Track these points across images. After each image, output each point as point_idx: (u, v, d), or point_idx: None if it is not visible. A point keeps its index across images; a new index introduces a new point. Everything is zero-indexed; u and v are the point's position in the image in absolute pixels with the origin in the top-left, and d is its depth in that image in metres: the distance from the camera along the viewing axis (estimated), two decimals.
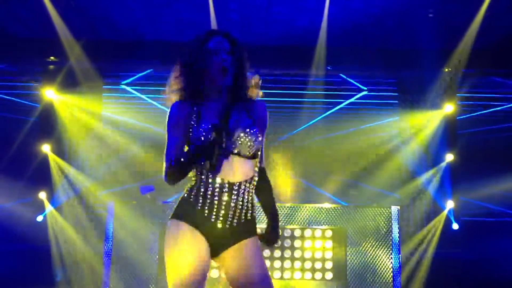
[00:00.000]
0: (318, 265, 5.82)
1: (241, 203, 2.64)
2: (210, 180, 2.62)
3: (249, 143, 2.63)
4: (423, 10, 6.86)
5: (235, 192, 2.62)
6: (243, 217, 2.67)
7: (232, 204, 2.62)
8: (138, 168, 9.64)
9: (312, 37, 7.44)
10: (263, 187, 2.83)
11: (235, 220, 2.64)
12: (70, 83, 7.97)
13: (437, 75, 8.03)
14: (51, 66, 8.06)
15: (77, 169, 7.99)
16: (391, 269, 5.84)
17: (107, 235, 5.88)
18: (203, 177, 2.63)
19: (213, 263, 2.85)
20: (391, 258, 5.85)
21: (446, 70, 8.01)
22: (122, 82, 8.69)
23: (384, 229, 5.77)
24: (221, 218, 2.62)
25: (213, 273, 5.63)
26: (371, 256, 5.82)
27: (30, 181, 7.96)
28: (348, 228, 5.88)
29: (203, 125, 2.61)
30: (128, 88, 8.81)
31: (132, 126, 9.69)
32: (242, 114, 2.71)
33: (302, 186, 9.87)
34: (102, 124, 8.63)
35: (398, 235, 5.81)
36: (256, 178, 2.73)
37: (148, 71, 8.37)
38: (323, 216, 5.96)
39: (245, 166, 2.65)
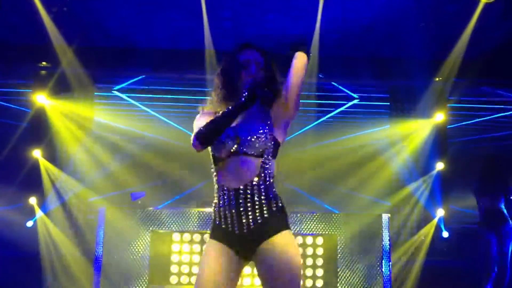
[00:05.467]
0: (309, 272, 5.83)
1: (250, 205, 2.69)
2: (220, 194, 2.74)
3: (253, 142, 2.72)
4: (415, 20, 6.92)
5: (243, 197, 2.69)
6: (259, 217, 2.68)
7: (242, 209, 2.68)
8: (129, 173, 9.62)
9: None
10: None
11: (250, 222, 2.68)
12: (62, 89, 7.95)
13: (428, 85, 8.10)
14: (43, 71, 8.04)
15: (68, 174, 7.96)
16: (382, 277, 5.86)
17: (97, 240, 5.86)
18: (216, 193, 2.77)
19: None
20: (382, 265, 5.87)
21: (437, 79, 8.07)
22: (114, 88, 8.69)
23: (375, 237, 5.79)
24: (236, 225, 2.69)
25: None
26: (361, 264, 5.83)
27: (21, 187, 7.92)
28: (339, 235, 5.90)
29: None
30: (120, 94, 8.81)
31: (124, 131, 9.69)
32: (257, 117, 2.81)
33: (293, 193, 9.88)
34: (94, 130, 8.62)
35: (388, 242, 5.83)
36: (267, 176, 2.75)
37: (141, 77, 8.37)
38: (314, 223, 5.98)
39: (250, 165, 2.71)
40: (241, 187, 2.69)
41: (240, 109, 2.68)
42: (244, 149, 2.71)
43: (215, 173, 2.80)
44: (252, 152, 2.71)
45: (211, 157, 2.84)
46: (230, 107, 2.69)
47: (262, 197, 2.70)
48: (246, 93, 2.67)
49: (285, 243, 2.65)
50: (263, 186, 2.71)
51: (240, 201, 2.69)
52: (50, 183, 7.83)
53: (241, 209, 2.68)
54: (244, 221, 2.68)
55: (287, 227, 2.71)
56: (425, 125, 8.20)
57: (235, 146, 2.72)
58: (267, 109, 2.85)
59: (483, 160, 6.70)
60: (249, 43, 2.93)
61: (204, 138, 2.70)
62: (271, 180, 2.77)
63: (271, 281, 2.61)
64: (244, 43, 2.93)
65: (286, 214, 2.77)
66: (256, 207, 2.69)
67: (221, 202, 2.73)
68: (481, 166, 6.67)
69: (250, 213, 2.68)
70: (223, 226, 2.72)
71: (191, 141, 2.74)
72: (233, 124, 2.76)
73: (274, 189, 2.77)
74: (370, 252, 5.82)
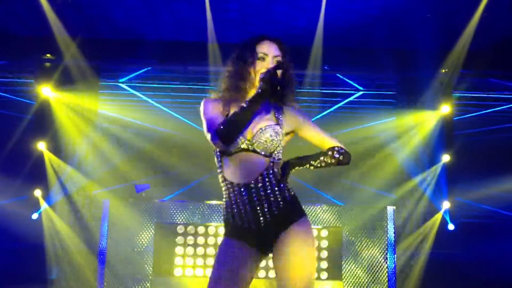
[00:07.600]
0: None
1: (264, 198, 2.65)
2: (230, 191, 2.69)
3: (264, 142, 2.68)
4: (421, 11, 6.86)
5: (254, 191, 2.65)
6: (275, 209, 2.66)
7: (256, 203, 2.65)
8: (133, 166, 9.62)
9: (310, 37, 7.44)
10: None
11: (267, 215, 2.65)
12: (67, 81, 7.93)
13: (434, 76, 8.04)
14: (48, 64, 8.03)
15: (72, 167, 7.96)
16: (386, 269, 5.85)
17: (102, 233, 5.87)
18: (225, 190, 2.72)
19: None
20: (387, 258, 5.85)
21: (443, 71, 8.01)
22: (120, 80, 8.67)
23: (380, 229, 5.77)
24: (252, 221, 2.66)
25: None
26: (366, 256, 5.82)
27: (26, 179, 7.94)
28: (344, 228, 5.88)
29: None
30: (126, 87, 8.79)
31: (129, 124, 9.68)
32: (269, 114, 2.77)
33: (298, 185, 9.87)
34: (99, 122, 8.61)
35: (393, 235, 5.81)
36: (274, 168, 2.72)
37: (146, 69, 8.35)
38: (319, 216, 5.96)
39: (260, 162, 2.69)
40: (252, 181, 2.66)
41: (259, 100, 2.59)
42: (254, 147, 2.67)
43: (221, 170, 2.74)
44: (263, 152, 2.69)
45: (215, 151, 2.77)
46: (247, 100, 2.60)
47: (275, 189, 2.67)
48: (262, 83, 2.59)
49: (303, 231, 2.65)
50: (273, 178, 2.68)
51: (253, 195, 2.65)
52: (54, 175, 7.84)
53: (256, 203, 2.65)
54: (260, 215, 2.65)
55: (303, 213, 2.71)
56: (431, 117, 8.14)
57: (246, 142, 2.67)
58: (279, 106, 2.80)
59: None
60: (268, 35, 2.84)
61: (227, 135, 2.60)
62: (275, 172, 2.74)
63: (287, 271, 2.58)
64: (262, 34, 2.85)
65: (299, 201, 2.75)
66: (271, 199, 2.65)
67: (232, 200, 2.68)
68: None
69: (265, 207, 2.65)
70: (238, 223, 2.68)
71: (209, 138, 2.65)
72: None
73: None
74: (375, 245, 5.80)
